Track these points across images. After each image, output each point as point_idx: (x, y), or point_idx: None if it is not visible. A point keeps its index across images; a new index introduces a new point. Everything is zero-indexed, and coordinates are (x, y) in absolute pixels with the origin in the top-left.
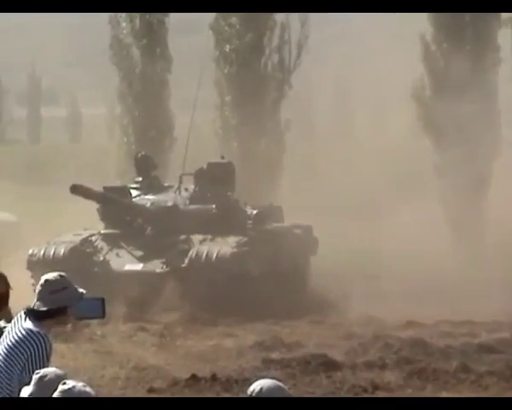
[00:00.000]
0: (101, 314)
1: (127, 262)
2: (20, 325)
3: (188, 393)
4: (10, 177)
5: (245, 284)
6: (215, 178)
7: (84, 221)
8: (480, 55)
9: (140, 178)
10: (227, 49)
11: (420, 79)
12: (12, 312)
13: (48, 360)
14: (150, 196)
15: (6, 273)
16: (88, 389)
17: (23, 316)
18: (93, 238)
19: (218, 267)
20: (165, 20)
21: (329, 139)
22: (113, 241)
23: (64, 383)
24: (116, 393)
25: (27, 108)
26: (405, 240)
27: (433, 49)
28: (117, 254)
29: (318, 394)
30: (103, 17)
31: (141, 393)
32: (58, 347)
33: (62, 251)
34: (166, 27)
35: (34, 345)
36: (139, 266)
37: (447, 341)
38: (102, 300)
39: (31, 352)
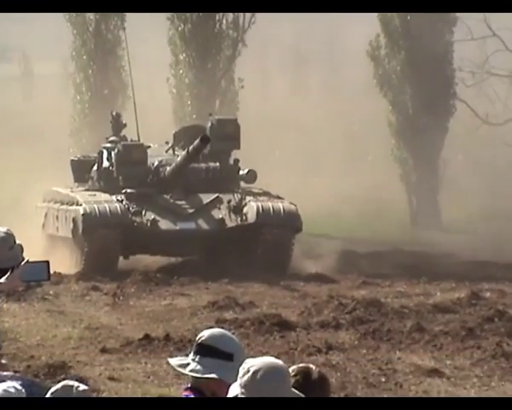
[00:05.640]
0: (47, 277)
1: (176, 221)
2: None
3: (141, 353)
4: None
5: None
6: (223, 135)
7: (39, 180)
8: (436, 14)
9: (114, 138)
10: None
11: (376, 37)
12: None
13: None
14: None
15: None
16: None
17: None
18: (118, 197)
19: (286, 221)
20: None
21: (284, 98)
22: (141, 200)
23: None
24: (69, 352)
25: None
26: (360, 199)
27: None
28: (157, 214)
29: (272, 354)
30: None
31: (93, 353)
32: (10, 306)
33: (118, 208)
34: None
35: None
36: (192, 225)
37: (402, 301)
38: (47, 263)
39: None
